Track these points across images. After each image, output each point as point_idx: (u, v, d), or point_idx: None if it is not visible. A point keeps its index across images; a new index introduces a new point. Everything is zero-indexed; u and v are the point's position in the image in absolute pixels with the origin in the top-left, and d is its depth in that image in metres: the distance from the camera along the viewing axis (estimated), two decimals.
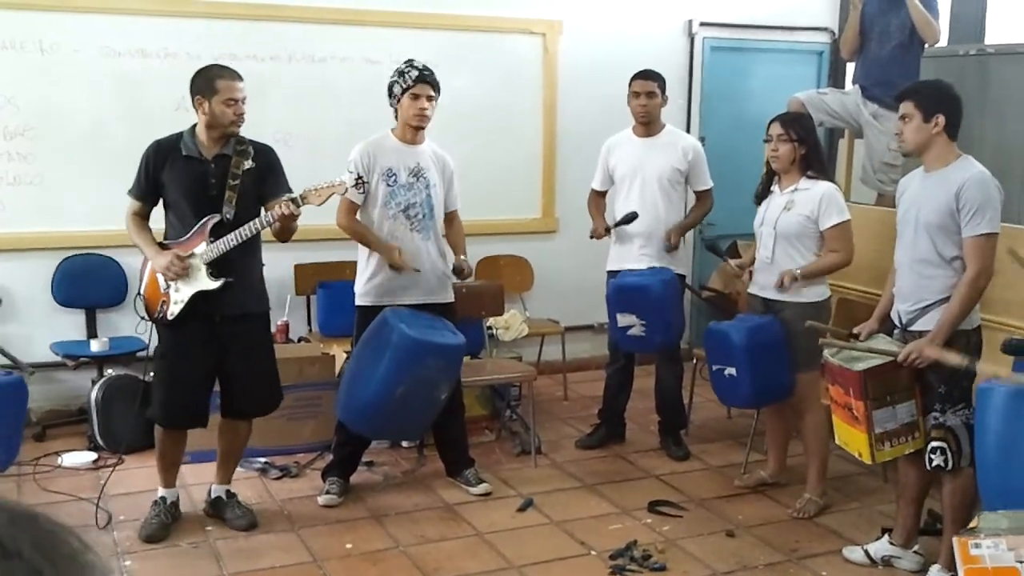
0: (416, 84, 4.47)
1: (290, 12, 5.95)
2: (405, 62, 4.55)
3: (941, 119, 3.68)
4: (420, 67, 4.51)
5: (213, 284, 4.06)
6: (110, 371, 5.35)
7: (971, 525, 3.13)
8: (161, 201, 4.20)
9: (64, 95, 5.53)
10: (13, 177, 5.50)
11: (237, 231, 4.03)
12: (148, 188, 4.15)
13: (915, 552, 4.03)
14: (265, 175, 4.18)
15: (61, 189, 5.55)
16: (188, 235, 4.09)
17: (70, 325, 5.61)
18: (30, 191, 5.51)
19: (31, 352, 5.42)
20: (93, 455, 5.08)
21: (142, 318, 4.25)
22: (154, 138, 4.21)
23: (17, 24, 5.42)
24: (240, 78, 4.13)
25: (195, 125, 4.15)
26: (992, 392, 3.28)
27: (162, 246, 4.14)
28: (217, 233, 4.06)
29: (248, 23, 5.88)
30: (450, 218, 4.80)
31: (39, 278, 5.57)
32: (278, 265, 5.99)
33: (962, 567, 3.02)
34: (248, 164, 4.12)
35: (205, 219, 4.06)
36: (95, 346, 5.40)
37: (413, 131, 4.57)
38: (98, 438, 5.16)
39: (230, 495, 4.46)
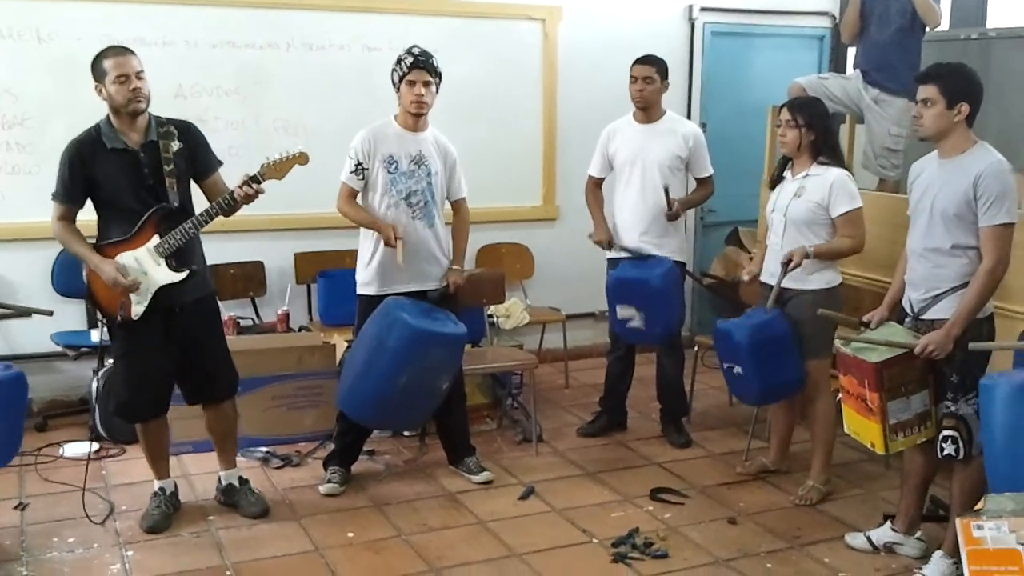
0: (411, 71, 4.43)
1: None
2: (406, 49, 4.51)
3: (965, 108, 3.62)
4: (417, 53, 4.46)
5: (178, 276, 3.96)
6: (111, 361, 5.33)
7: (977, 507, 3.12)
8: (90, 201, 4.02)
9: (62, 84, 5.50)
10: (12, 167, 5.49)
11: (194, 218, 3.94)
12: (77, 190, 3.95)
13: (917, 538, 4.03)
14: (195, 152, 4.08)
15: None
16: (135, 230, 3.95)
17: (70, 315, 5.59)
18: (29, 181, 5.47)
19: (31, 342, 5.43)
20: (95, 445, 5.07)
21: (101, 322, 4.12)
22: None
23: (14, 13, 5.40)
24: (129, 52, 3.93)
25: (108, 115, 4.00)
26: (996, 386, 3.27)
27: (99, 248, 3.98)
28: (167, 224, 3.95)
29: (246, 11, 5.84)
30: (456, 207, 4.77)
31: (39, 268, 5.56)
32: (278, 254, 6.04)
33: (964, 548, 3.02)
34: (176, 145, 4.00)
35: (152, 211, 3.93)
36: (96, 336, 5.39)
37: (414, 118, 4.54)
38: (99, 428, 5.16)
39: (243, 482, 4.45)
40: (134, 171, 3.95)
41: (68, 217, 4.02)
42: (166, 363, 4.13)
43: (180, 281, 3.98)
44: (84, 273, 4.08)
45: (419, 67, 4.44)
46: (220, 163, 4.18)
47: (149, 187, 3.95)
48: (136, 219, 3.95)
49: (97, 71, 3.93)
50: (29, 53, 5.44)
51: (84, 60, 5.67)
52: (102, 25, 5.51)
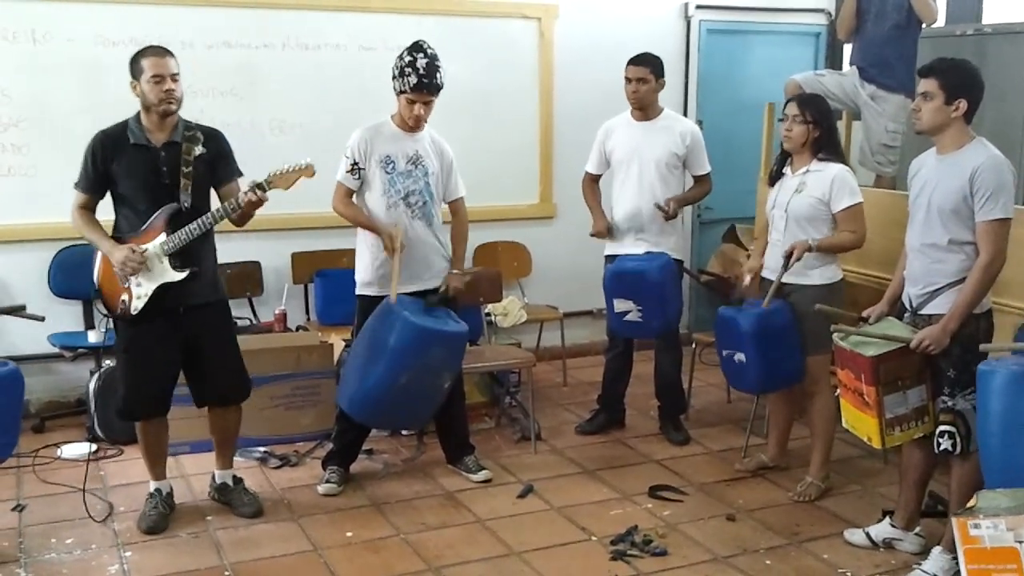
0: (412, 92, 4.40)
1: None
2: (410, 51, 4.39)
3: (963, 104, 3.62)
4: (422, 72, 4.35)
5: (178, 275, 3.99)
6: (108, 362, 5.32)
7: (969, 504, 3.12)
8: (110, 194, 4.08)
9: (57, 85, 5.50)
10: (7, 168, 5.48)
11: (200, 220, 3.96)
12: (97, 180, 4.03)
13: (917, 534, 4.02)
14: (216, 160, 4.12)
15: (56, 180, 5.47)
16: (144, 227, 4.00)
17: (67, 316, 5.59)
18: (25, 183, 5.49)
19: (29, 344, 5.41)
20: (92, 446, 5.06)
21: (104, 315, 4.17)
22: None
23: (9, 14, 5.39)
24: (167, 54, 3.98)
25: (139, 112, 4.05)
26: (993, 374, 3.27)
27: (117, 240, 4.04)
28: (175, 223, 3.98)
29: (241, 10, 5.84)
30: (455, 208, 4.75)
31: (35, 270, 5.56)
32: (275, 254, 6.03)
33: (962, 547, 3.01)
34: (199, 150, 4.05)
35: (162, 209, 3.97)
36: (92, 337, 5.39)
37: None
38: (97, 429, 5.15)
39: (236, 481, 4.45)
40: (152, 169, 4.00)
41: (87, 206, 4.10)
42: (167, 363, 4.14)
43: (183, 282, 4.00)
44: (96, 264, 4.13)
45: (422, 90, 4.39)
46: (240, 173, 4.20)
47: (165, 186, 4.00)
48: (148, 216, 4.00)
49: (134, 68, 4.00)
50: (24, 54, 5.43)
51: (80, 61, 5.69)
52: (98, 26, 5.52)
